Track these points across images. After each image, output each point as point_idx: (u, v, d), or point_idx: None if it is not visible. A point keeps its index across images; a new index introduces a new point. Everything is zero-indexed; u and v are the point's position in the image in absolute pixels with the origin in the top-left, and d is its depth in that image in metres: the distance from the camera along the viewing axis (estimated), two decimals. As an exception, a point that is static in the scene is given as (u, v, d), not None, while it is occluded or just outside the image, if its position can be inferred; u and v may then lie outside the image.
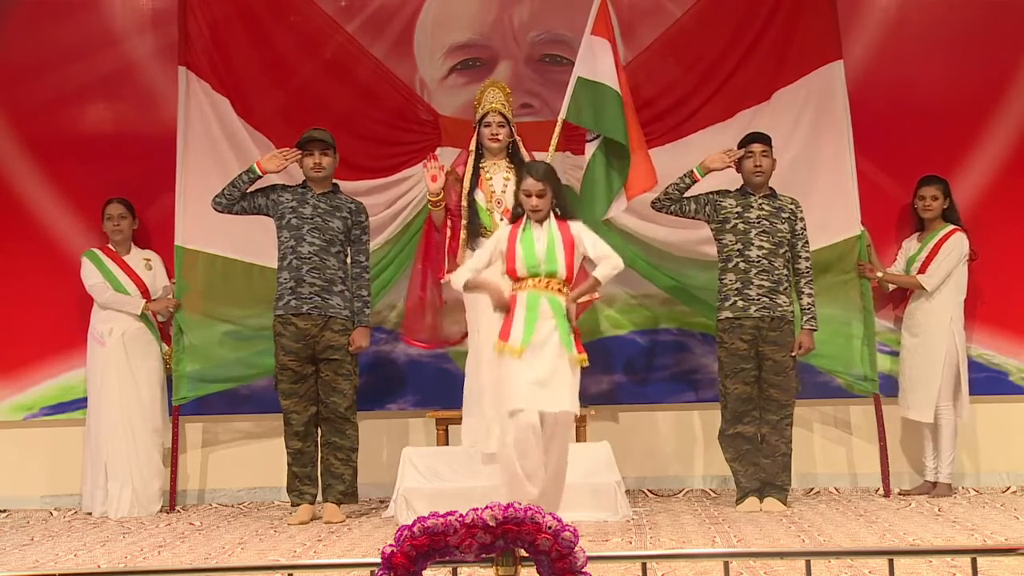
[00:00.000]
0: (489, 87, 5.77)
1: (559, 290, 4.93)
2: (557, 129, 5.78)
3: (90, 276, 6.21)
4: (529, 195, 4.98)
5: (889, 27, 6.51)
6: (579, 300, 5.08)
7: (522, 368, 4.83)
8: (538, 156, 5.68)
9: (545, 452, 4.88)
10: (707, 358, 6.36)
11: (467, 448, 5.60)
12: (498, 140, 5.65)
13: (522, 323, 4.87)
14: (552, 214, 5.02)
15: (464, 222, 5.61)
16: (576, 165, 6.10)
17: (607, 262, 4.95)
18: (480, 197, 5.63)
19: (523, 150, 5.73)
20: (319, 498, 5.73)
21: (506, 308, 4.94)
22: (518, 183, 5.60)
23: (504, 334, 4.90)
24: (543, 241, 4.94)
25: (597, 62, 5.79)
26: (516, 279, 4.97)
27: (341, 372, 5.65)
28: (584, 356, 4.93)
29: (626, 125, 5.76)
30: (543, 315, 4.87)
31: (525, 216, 5.03)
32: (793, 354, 5.64)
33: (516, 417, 4.82)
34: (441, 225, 5.73)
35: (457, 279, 5.03)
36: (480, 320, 5.53)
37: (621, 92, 5.78)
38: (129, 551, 4.89)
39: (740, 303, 5.62)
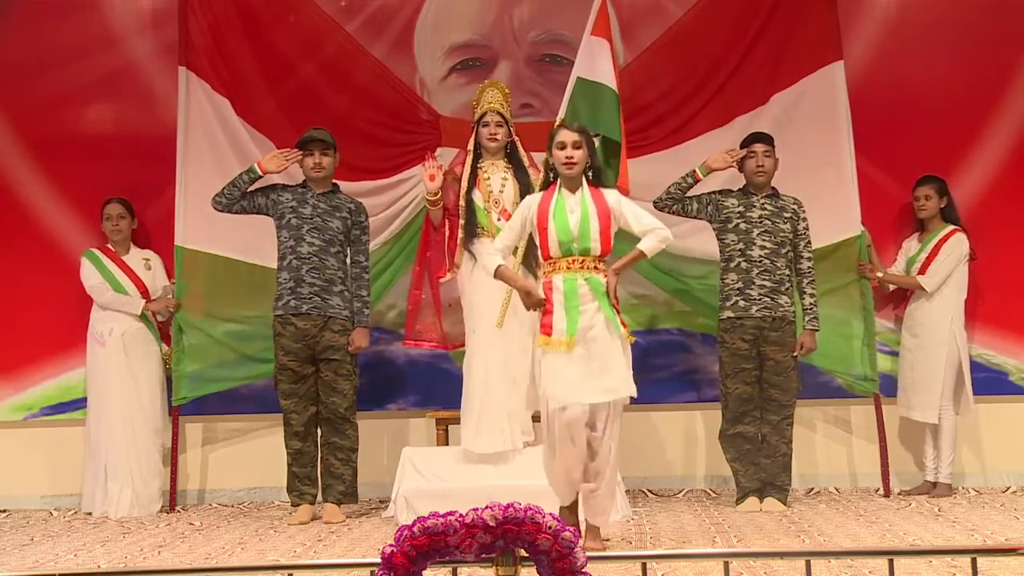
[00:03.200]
0: (487, 87, 5.77)
1: (595, 267, 4.53)
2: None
3: (90, 276, 6.21)
4: (564, 146, 4.55)
5: (889, 27, 6.51)
6: (620, 271, 4.64)
7: (571, 361, 4.45)
8: (537, 156, 5.67)
9: (599, 443, 4.49)
10: (707, 358, 6.36)
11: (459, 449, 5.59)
12: (496, 140, 5.65)
13: (563, 312, 4.48)
14: (584, 179, 4.62)
15: (461, 222, 5.61)
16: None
17: (654, 234, 4.54)
18: (478, 197, 5.62)
19: (521, 150, 5.72)
20: (319, 498, 5.73)
21: (540, 305, 4.55)
22: (519, 183, 5.62)
23: (546, 328, 4.50)
24: (577, 213, 4.52)
25: (596, 62, 5.78)
26: (548, 259, 4.59)
27: (341, 372, 5.65)
28: (628, 330, 4.58)
29: (620, 123, 5.74)
30: (584, 299, 4.49)
31: (558, 184, 4.62)
32: (795, 354, 5.64)
33: (560, 414, 4.46)
34: (439, 224, 5.73)
35: (489, 263, 4.69)
36: (477, 321, 5.53)
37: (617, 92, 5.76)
38: (129, 551, 4.89)
39: (741, 303, 5.62)
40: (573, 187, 4.60)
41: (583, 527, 4.58)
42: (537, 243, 4.66)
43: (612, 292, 4.52)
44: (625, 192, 5.74)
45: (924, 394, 6.03)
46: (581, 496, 4.61)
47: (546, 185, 4.71)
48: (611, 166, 5.82)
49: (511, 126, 5.72)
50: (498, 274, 4.68)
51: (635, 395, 4.59)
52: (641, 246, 4.56)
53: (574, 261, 4.53)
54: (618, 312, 4.56)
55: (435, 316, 5.95)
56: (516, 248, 5.05)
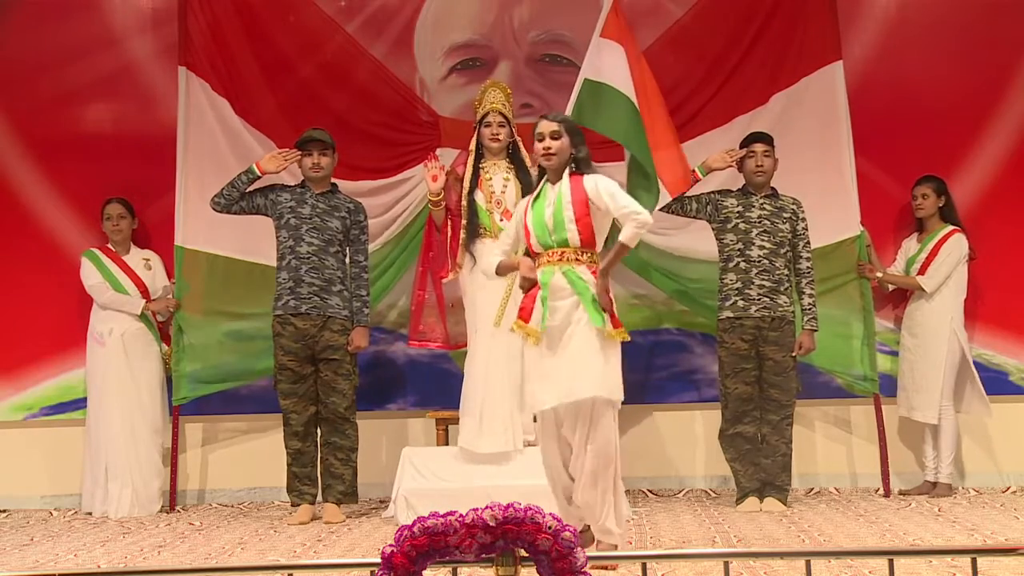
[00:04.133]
0: (490, 87, 5.77)
1: (577, 259, 4.29)
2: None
3: (90, 276, 6.21)
4: (542, 137, 4.36)
5: (889, 27, 6.52)
6: (609, 270, 4.30)
7: (538, 361, 4.31)
8: (538, 157, 5.68)
9: (580, 448, 4.25)
10: (707, 358, 6.36)
11: (459, 449, 5.58)
12: (498, 140, 5.65)
13: (541, 304, 4.28)
14: (568, 170, 4.39)
15: (464, 222, 5.61)
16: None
17: (631, 221, 4.21)
18: (480, 197, 5.62)
19: (523, 150, 5.72)
20: (319, 498, 5.73)
21: (533, 283, 4.33)
22: (521, 184, 5.61)
23: (524, 312, 4.32)
24: (552, 205, 4.32)
25: (604, 64, 5.74)
26: (534, 254, 4.39)
27: (340, 372, 5.66)
28: (622, 330, 4.28)
29: (643, 128, 5.63)
30: (556, 292, 4.26)
31: (544, 179, 4.45)
32: (794, 354, 5.64)
33: (539, 421, 4.39)
34: (441, 225, 5.73)
35: (488, 266, 4.56)
36: (479, 320, 5.53)
37: (636, 93, 5.60)
38: (129, 551, 4.89)
39: (741, 303, 5.62)
40: (555, 180, 4.41)
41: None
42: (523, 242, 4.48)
43: (601, 293, 4.24)
44: (688, 186, 5.61)
45: (924, 394, 6.03)
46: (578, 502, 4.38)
47: (538, 182, 4.52)
48: (646, 184, 5.66)
49: (513, 126, 5.72)
50: (499, 268, 4.53)
51: (611, 397, 4.22)
52: (621, 238, 4.24)
53: (553, 253, 4.31)
54: (612, 313, 4.27)
55: (439, 316, 5.95)
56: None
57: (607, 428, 4.23)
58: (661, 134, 5.69)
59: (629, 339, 4.36)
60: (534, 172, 5.53)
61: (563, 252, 4.31)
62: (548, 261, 4.32)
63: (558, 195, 4.34)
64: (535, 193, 4.47)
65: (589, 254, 4.33)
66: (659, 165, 5.66)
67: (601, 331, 4.22)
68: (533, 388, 4.40)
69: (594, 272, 4.31)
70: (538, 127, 4.43)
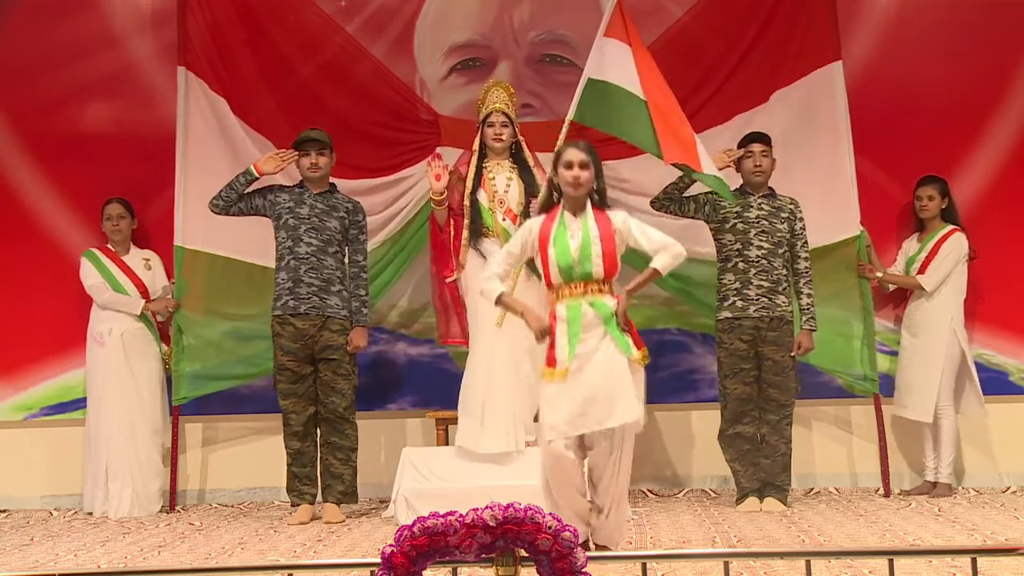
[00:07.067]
0: (493, 87, 5.76)
1: (600, 291, 4.34)
2: (564, 129, 5.63)
3: (89, 276, 6.21)
4: (571, 166, 4.35)
5: (889, 27, 6.52)
6: (634, 292, 4.40)
7: (564, 390, 4.28)
8: (541, 157, 5.67)
9: (601, 472, 4.37)
10: (707, 358, 6.36)
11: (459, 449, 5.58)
12: (501, 140, 5.65)
13: (566, 339, 4.30)
14: (589, 201, 4.42)
15: (467, 222, 5.61)
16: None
17: (667, 251, 4.35)
18: (483, 197, 5.63)
19: (526, 150, 5.73)
20: (319, 498, 5.73)
21: (547, 333, 4.35)
22: (524, 183, 5.61)
23: (550, 360, 4.32)
24: (578, 238, 4.33)
25: (606, 63, 5.69)
26: (551, 286, 4.40)
27: (340, 372, 5.66)
28: (644, 352, 4.35)
29: (649, 120, 5.50)
30: (588, 325, 4.30)
31: (560, 207, 4.43)
32: (792, 354, 5.64)
33: (549, 447, 4.34)
34: (444, 224, 5.73)
35: (489, 290, 4.46)
36: (479, 321, 5.53)
37: (643, 87, 5.50)
38: (129, 551, 4.89)
39: (739, 303, 5.62)
40: (576, 209, 4.40)
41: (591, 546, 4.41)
42: (540, 270, 4.47)
43: (622, 314, 4.31)
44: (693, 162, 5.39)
45: (917, 393, 6.03)
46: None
47: (548, 206, 4.50)
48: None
49: (516, 126, 5.72)
50: (499, 303, 4.49)
51: (638, 419, 4.31)
52: (655, 264, 4.36)
53: (576, 286, 4.33)
54: (633, 334, 4.35)
55: (456, 314, 5.93)
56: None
57: (631, 451, 4.40)
58: (678, 121, 5.54)
59: (649, 361, 4.40)
60: (538, 173, 5.56)
61: (586, 285, 4.34)
62: (571, 294, 4.35)
63: (584, 229, 4.35)
64: (555, 222, 4.40)
65: (610, 284, 4.39)
66: (677, 146, 5.46)
67: (631, 359, 4.30)
68: (552, 421, 4.33)
69: (618, 298, 4.36)
70: (566, 154, 4.41)
